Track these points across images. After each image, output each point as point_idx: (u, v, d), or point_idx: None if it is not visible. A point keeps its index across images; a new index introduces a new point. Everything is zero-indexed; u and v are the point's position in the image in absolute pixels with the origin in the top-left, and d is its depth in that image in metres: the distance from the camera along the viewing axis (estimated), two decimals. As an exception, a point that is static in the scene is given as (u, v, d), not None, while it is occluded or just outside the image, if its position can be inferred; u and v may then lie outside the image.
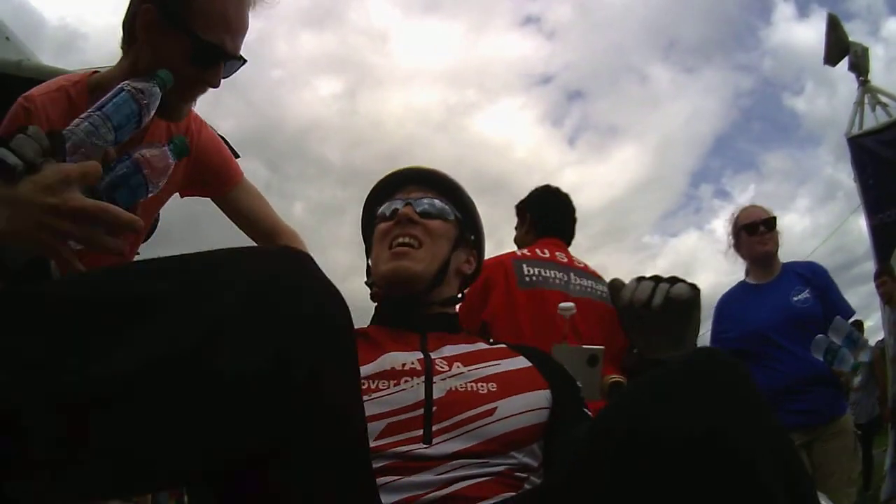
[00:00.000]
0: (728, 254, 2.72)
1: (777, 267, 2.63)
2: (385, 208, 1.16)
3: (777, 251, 2.63)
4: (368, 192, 1.23)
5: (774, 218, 2.61)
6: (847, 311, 2.55)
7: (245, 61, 1.16)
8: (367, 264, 1.20)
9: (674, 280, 0.94)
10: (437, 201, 1.15)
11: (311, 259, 0.67)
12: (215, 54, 1.10)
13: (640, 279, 0.97)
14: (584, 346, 1.19)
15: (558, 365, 1.09)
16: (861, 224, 4.96)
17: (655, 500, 0.61)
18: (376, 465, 0.84)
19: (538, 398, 0.98)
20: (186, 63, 1.08)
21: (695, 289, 0.94)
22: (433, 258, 1.10)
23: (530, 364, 1.04)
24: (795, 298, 2.52)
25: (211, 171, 1.38)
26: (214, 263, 0.63)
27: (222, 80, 1.15)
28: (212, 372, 0.55)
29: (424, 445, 0.87)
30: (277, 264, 0.64)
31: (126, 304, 0.57)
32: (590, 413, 1.02)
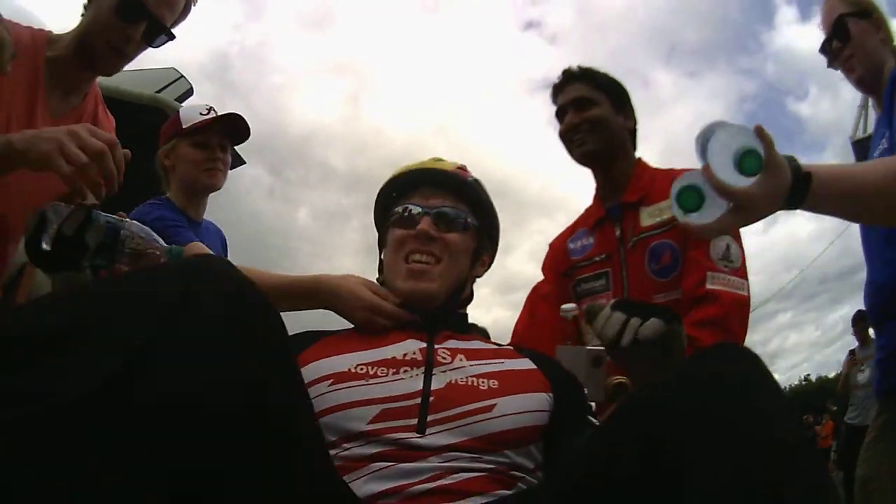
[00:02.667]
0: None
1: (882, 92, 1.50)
2: (401, 210, 1.14)
3: (876, 65, 1.51)
4: (386, 181, 1.21)
5: (842, 18, 1.55)
6: None
7: (172, 36, 1.38)
8: (380, 258, 1.19)
9: (649, 313, 0.92)
10: (455, 210, 1.13)
11: (228, 268, 0.67)
12: (137, 9, 1.31)
13: (616, 306, 0.96)
14: (589, 347, 1.19)
15: (564, 371, 1.09)
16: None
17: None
18: (368, 451, 0.85)
19: (539, 400, 0.97)
20: (113, 15, 1.30)
21: (670, 322, 0.91)
22: (450, 276, 1.10)
23: (535, 367, 1.04)
24: (875, 154, 1.49)
25: None
26: (123, 289, 0.62)
27: (153, 49, 1.39)
28: (135, 403, 0.53)
29: (418, 435, 0.87)
30: (190, 280, 0.62)
31: (37, 339, 0.54)
32: (596, 421, 1.01)
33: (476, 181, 1.19)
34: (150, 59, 1.46)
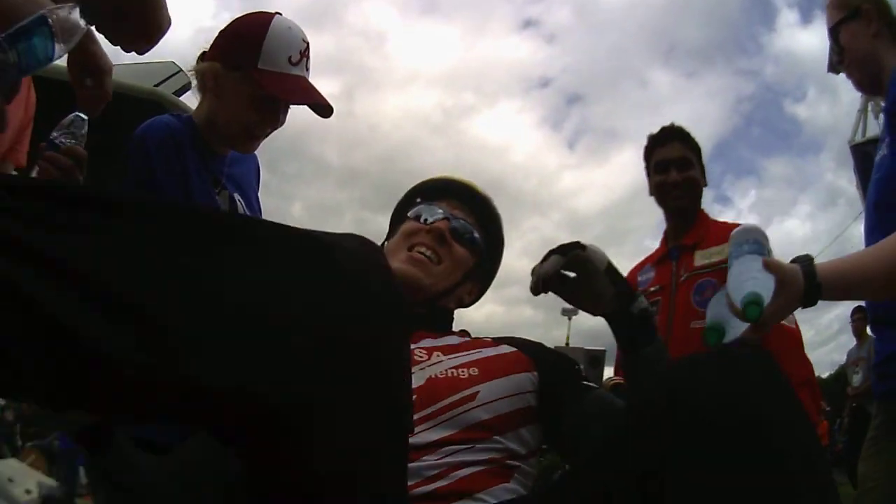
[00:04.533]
0: None
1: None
2: (424, 210, 1.14)
3: (871, 65, 1.45)
4: (419, 182, 1.23)
5: (834, 29, 1.49)
6: None
7: None
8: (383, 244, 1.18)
9: (551, 253, 0.96)
10: (474, 229, 1.14)
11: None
12: None
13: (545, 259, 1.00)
14: (586, 348, 1.19)
15: (545, 347, 1.09)
16: (862, 231, 5.01)
17: (688, 474, 0.62)
18: None
19: (522, 381, 0.97)
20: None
21: (567, 253, 0.94)
22: (443, 280, 1.09)
23: (514, 349, 1.04)
24: (877, 159, 1.44)
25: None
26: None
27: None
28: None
29: None
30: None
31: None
32: (591, 383, 1.01)
33: (499, 215, 1.21)
34: (149, 52, 1.40)
